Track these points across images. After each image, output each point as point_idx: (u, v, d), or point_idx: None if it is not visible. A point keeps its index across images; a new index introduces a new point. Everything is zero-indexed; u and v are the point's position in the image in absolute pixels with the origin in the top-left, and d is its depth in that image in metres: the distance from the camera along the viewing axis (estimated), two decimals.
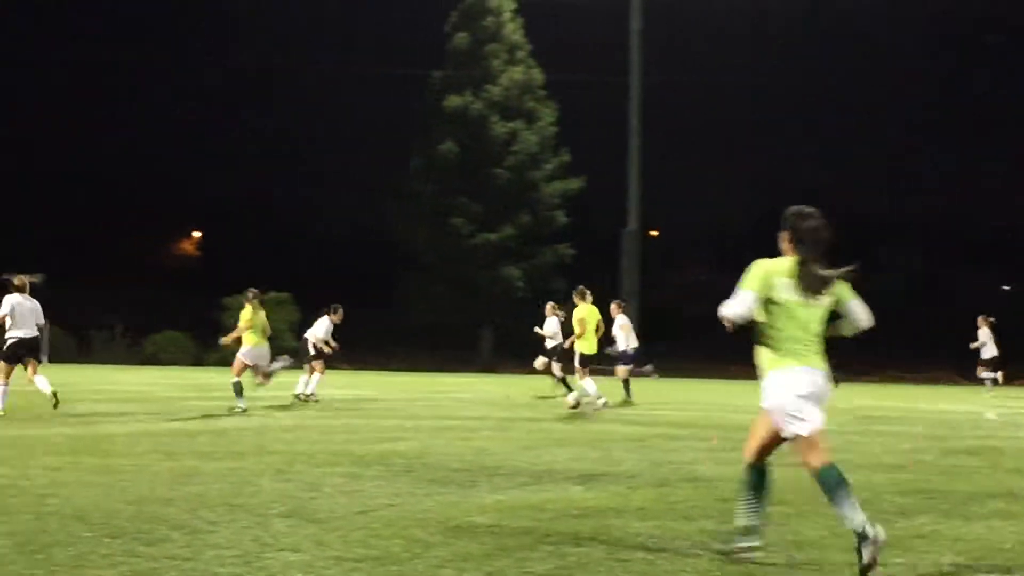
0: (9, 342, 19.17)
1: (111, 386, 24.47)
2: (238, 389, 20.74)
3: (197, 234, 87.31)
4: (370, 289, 65.57)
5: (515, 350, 62.31)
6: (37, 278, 19.57)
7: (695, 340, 55.36)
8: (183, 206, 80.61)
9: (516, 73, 63.63)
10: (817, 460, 6.97)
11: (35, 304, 19.34)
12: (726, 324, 7.24)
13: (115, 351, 64.93)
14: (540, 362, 26.74)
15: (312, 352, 25.12)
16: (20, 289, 19.26)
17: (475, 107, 62.66)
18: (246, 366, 21.25)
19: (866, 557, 6.63)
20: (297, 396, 24.12)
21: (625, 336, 26.33)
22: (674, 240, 75.77)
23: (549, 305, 26.92)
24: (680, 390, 33.85)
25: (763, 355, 7.29)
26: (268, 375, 21.80)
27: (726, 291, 7.30)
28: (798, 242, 7.19)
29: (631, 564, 7.05)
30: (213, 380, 30.02)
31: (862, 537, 6.65)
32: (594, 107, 64.03)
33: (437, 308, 63.13)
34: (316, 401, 24.03)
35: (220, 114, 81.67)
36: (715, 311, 7.23)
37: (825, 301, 7.18)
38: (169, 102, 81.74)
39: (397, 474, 11.08)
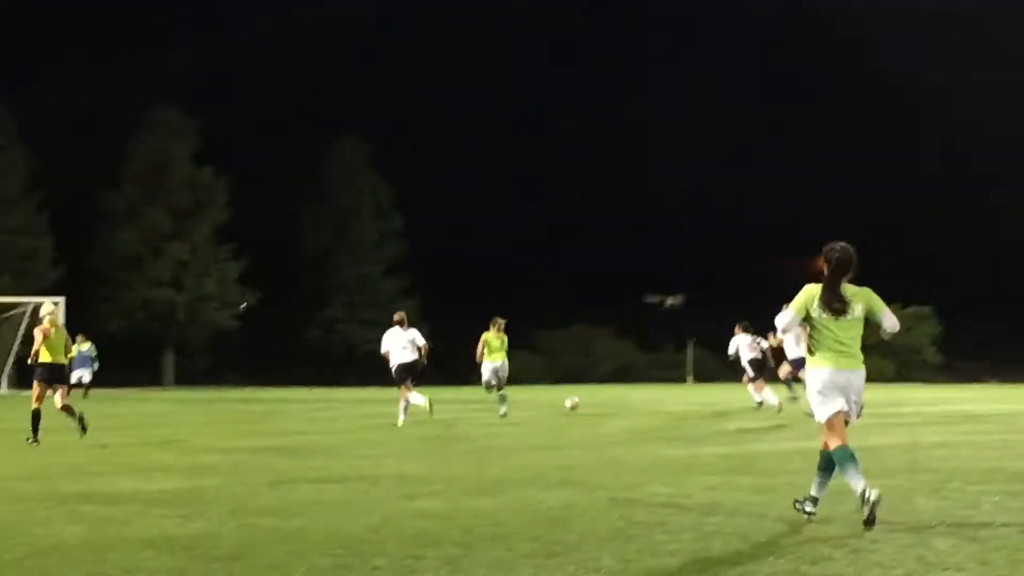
0: (394, 369, 22.71)
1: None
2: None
3: None
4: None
5: None
6: (677, 299, 21.89)
7: None
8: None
9: None
10: (832, 442, 8.81)
11: (410, 334, 22.80)
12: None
13: None
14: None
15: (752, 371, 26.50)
16: (399, 323, 22.89)
17: None
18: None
19: (866, 513, 8.39)
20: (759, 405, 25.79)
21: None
22: None
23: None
24: None
25: (808, 356, 9.15)
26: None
27: None
28: (826, 269, 8.91)
29: None
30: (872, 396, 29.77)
31: (863, 498, 8.39)
32: None
33: None
34: (760, 407, 25.65)
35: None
36: None
37: (857, 313, 8.87)
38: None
39: None
